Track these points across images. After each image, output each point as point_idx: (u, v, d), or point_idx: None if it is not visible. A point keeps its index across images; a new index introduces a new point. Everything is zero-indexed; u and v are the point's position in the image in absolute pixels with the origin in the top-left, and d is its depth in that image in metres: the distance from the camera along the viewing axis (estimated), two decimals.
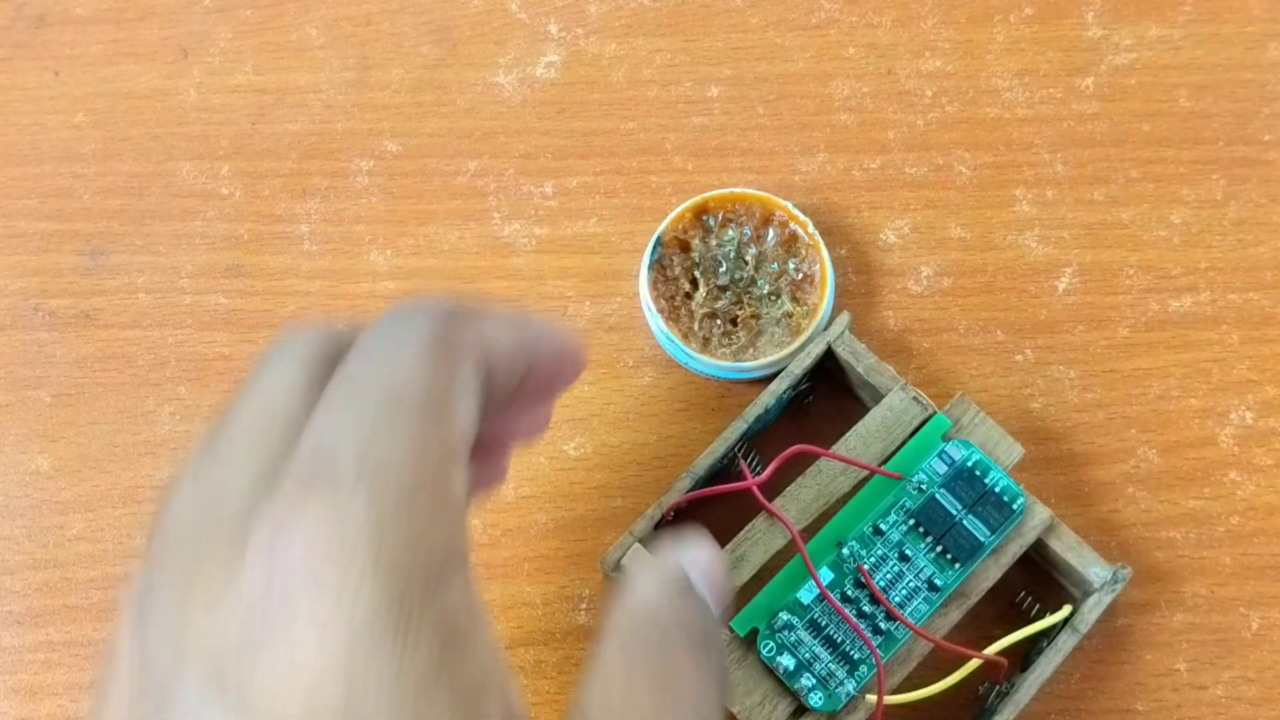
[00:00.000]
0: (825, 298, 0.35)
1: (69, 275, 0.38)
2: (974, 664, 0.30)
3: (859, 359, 0.33)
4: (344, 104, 0.39)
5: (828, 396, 0.35)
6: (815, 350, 0.33)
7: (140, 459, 0.36)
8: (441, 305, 0.22)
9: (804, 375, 0.33)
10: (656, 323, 0.35)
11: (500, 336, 0.22)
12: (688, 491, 0.32)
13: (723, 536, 0.32)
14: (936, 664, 0.30)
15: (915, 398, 0.32)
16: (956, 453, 0.32)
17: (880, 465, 0.32)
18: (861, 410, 0.33)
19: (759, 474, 0.32)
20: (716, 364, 0.34)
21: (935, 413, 0.32)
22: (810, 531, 0.31)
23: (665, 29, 0.40)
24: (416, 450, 0.19)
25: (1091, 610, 0.30)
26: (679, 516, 0.33)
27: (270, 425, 0.20)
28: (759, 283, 0.36)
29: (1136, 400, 0.35)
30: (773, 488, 0.32)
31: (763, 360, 0.34)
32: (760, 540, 0.31)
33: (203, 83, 0.40)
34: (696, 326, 0.35)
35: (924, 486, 0.31)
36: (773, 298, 0.35)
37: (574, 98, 0.39)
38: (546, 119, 0.39)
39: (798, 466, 0.32)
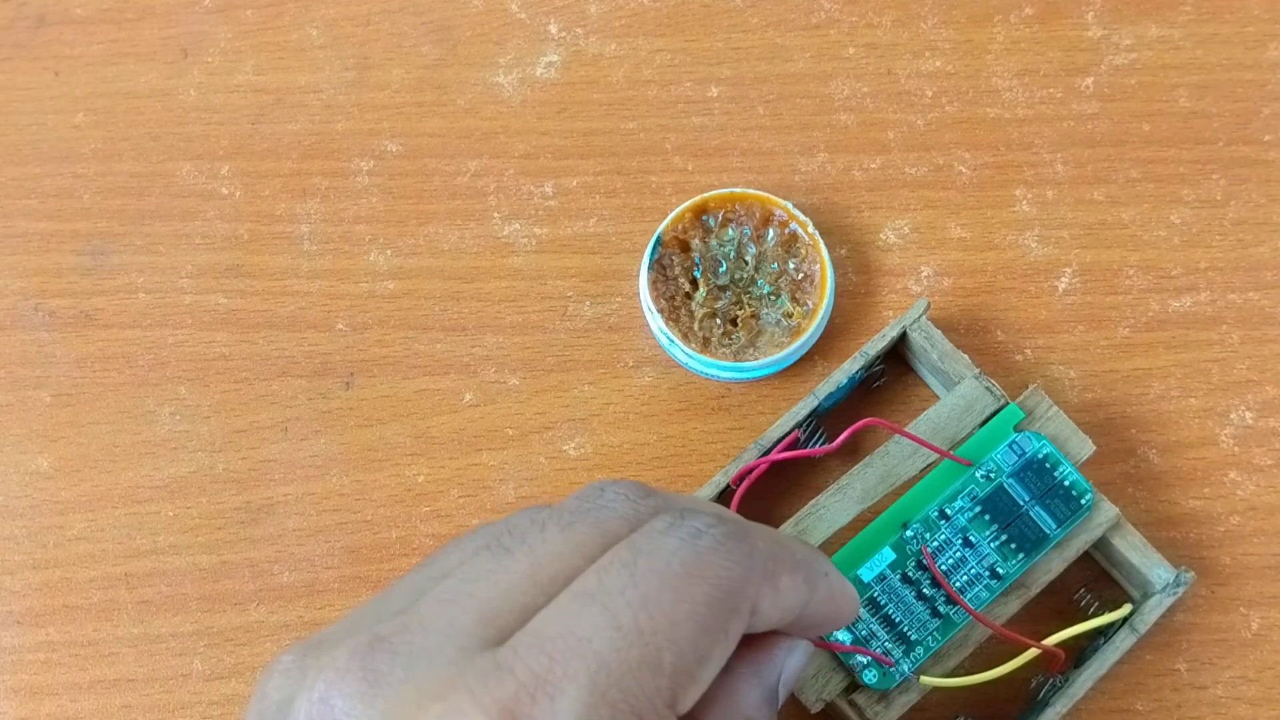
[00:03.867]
0: (825, 298, 0.35)
1: (69, 275, 0.38)
2: (1029, 655, 0.30)
3: (934, 345, 0.33)
4: (344, 104, 0.39)
5: (896, 381, 0.35)
6: (891, 333, 0.33)
7: (140, 459, 0.36)
8: (732, 559, 0.22)
9: (878, 356, 0.34)
10: (656, 323, 0.35)
11: (785, 600, 0.23)
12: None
13: (786, 510, 0.33)
14: (989, 654, 0.31)
15: (988, 388, 0.33)
16: (1028, 444, 0.32)
17: (950, 451, 0.32)
18: (929, 396, 0.34)
19: (820, 444, 0.33)
20: (716, 364, 0.34)
21: (1008, 403, 0.32)
22: (874, 512, 0.32)
23: (665, 29, 0.40)
24: (631, 713, 0.20)
25: (1152, 611, 0.31)
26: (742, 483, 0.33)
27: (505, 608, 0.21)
28: (759, 283, 0.36)
29: (1136, 400, 0.35)
30: (839, 468, 0.33)
31: (763, 360, 0.34)
32: (824, 516, 0.32)
33: (203, 83, 0.40)
34: (696, 326, 0.35)
35: (993, 475, 0.32)
36: (773, 298, 0.35)
37: (574, 98, 0.39)
38: (546, 119, 0.39)
39: (860, 453, 0.33)
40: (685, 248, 0.36)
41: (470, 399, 0.36)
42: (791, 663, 0.26)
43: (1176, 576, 0.31)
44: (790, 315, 0.35)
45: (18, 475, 0.36)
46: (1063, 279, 0.36)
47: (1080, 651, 0.32)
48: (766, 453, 0.32)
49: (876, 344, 0.33)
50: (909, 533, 0.31)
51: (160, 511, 0.35)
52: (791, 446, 0.32)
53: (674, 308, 0.35)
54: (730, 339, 0.35)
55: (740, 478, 0.32)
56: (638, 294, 0.36)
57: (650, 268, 0.35)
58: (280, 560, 0.34)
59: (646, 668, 0.20)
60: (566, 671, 0.19)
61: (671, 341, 0.35)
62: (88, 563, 0.35)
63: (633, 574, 0.21)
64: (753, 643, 0.26)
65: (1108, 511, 0.31)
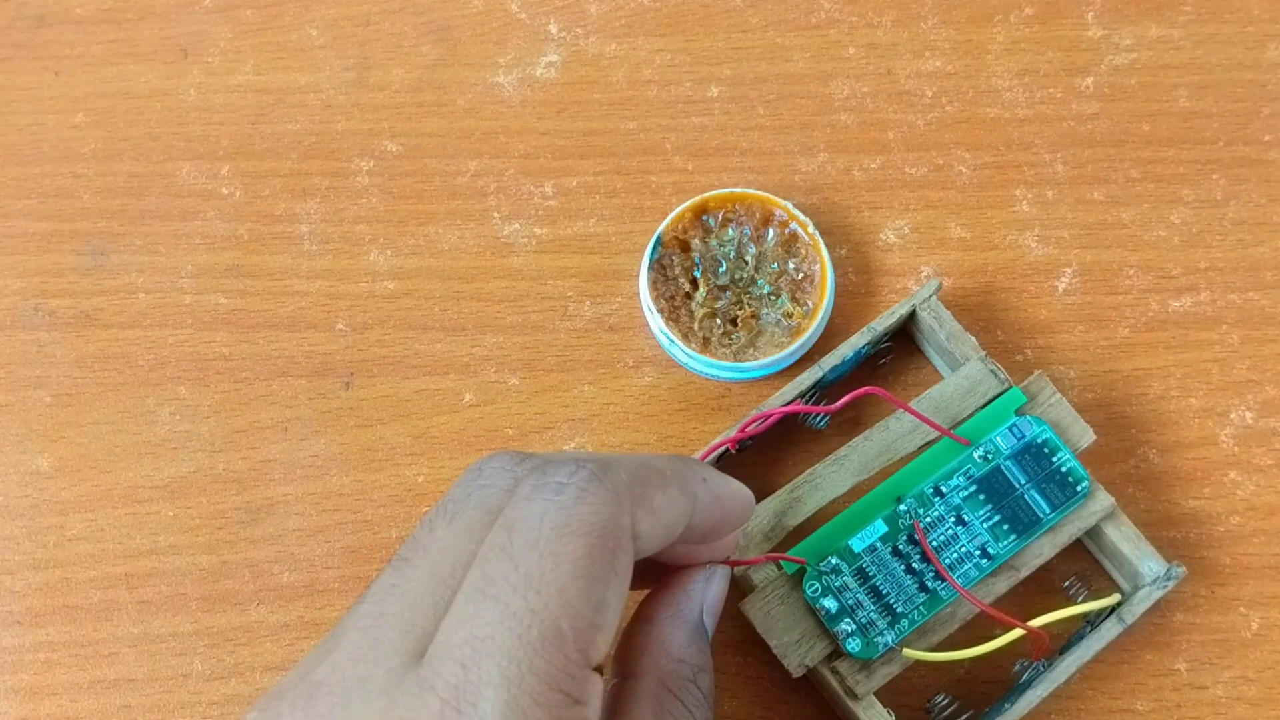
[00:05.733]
0: (825, 298, 0.35)
1: (69, 275, 0.38)
2: (1013, 635, 0.30)
3: (942, 325, 0.33)
4: (344, 104, 0.39)
5: (902, 360, 0.35)
6: (901, 310, 0.34)
7: (140, 459, 0.36)
8: (597, 500, 0.22)
9: (885, 334, 0.34)
10: (656, 323, 0.35)
11: (665, 516, 0.23)
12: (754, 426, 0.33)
13: (783, 478, 0.33)
14: (974, 634, 0.31)
15: (993, 370, 0.33)
16: (1028, 428, 0.32)
17: (949, 430, 0.32)
18: (934, 377, 0.34)
19: (826, 422, 0.33)
20: (716, 364, 0.34)
21: (1011, 387, 0.33)
22: (870, 485, 0.32)
23: (665, 29, 0.40)
24: (553, 690, 0.20)
25: (1141, 603, 0.31)
26: (742, 451, 0.34)
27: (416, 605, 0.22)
28: (759, 283, 0.36)
29: (1136, 400, 0.35)
30: (838, 440, 0.33)
31: (763, 360, 0.34)
32: (820, 485, 0.32)
33: (203, 83, 0.40)
34: (696, 326, 0.35)
35: (990, 456, 0.32)
36: (773, 298, 0.35)
37: (574, 98, 0.39)
38: (546, 119, 0.39)
39: (861, 427, 0.33)
40: (685, 248, 0.36)
41: (470, 399, 0.36)
42: (712, 592, 0.27)
43: (1168, 570, 0.31)
44: (790, 315, 0.35)
45: (18, 475, 0.36)
46: (1063, 279, 0.36)
47: (1066, 640, 0.32)
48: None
49: (885, 320, 0.34)
50: (903, 507, 0.31)
51: (160, 511, 0.35)
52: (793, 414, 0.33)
53: (674, 308, 0.35)
54: (730, 339, 0.35)
55: (739, 436, 0.32)
56: (638, 294, 0.36)
57: (650, 268, 0.35)
58: (280, 560, 0.34)
59: (550, 643, 0.21)
60: (481, 676, 0.20)
61: (671, 341, 0.35)
62: (88, 563, 0.35)
63: (510, 555, 0.21)
64: (668, 582, 0.27)
65: (1103, 500, 0.31)
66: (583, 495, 0.22)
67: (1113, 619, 0.31)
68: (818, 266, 0.35)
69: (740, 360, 0.35)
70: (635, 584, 0.29)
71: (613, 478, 0.23)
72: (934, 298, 0.34)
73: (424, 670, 0.21)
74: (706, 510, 0.25)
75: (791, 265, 0.36)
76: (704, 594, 0.27)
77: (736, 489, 0.27)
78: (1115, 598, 0.31)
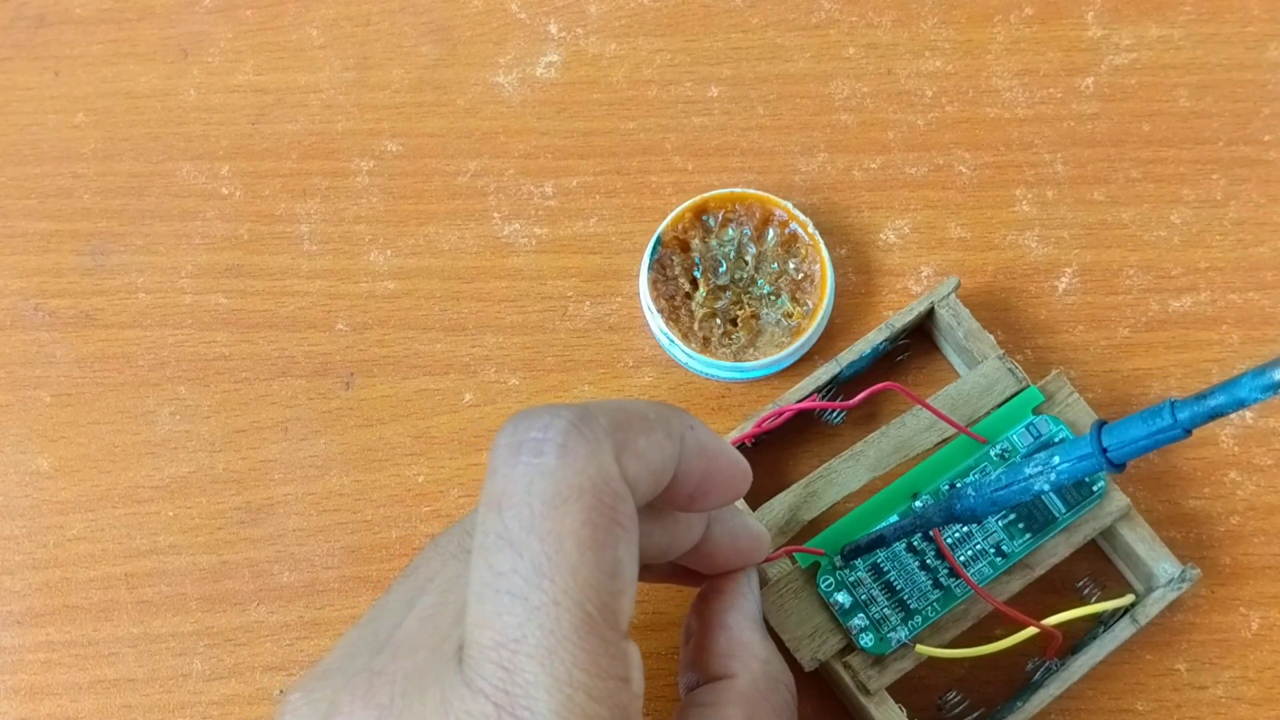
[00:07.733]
0: (825, 298, 0.35)
1: (69, 275, 0.38)
2: (1026, 634, 0.30)
3: (960, 323, 0.33)
4: (344, 104, 0.39)
5: (918, 357, 0.36)
6: (919, 308, 0.34)
7: (140, 459, 0.36)
8: (580, 455, 0.20)
9: (903, 330, 0.34)
10: (656, 323, 0.35)
11: (650, 460, 0.22)
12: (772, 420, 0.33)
13: (799, 472, 0.33)
14: (987, 632, 0.31)
15: (1011, 369, 0.33)
16: (1045, 428, 0.32)
17: (966, 427, 0.32)
18: (950, 375, 0.34)
19: (843, 418, 0.33)
20: (716, 364, 0.34)
21: (1029, 385, 0.33)
22: (886, 481, 0.32)
23: (665, 29, 0.40)
24: (603, 679, 0.20)
25: (1155, 604, 0.31)
26: (757, 446, 0.34)
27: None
28: (759, 283, 0.36)
29: (1136, 400, 0.35)
30: (854, 436, 0.33)
31: (763, 360, 0.34)
32: (835, 480, 0.32)
33: (203, 83, 0.40)
34: (696, 326, 0.35)
35: (1006, 454, 0.32)
36: (773, 298, 0.35)
37: (574, 98, 0.39)
38: (546, 119, 0.39)
39: (878, 423, 0.33)
40: (685, 248, 0.36)
41: (470, 399, 0.36)
42: (756, 587, 0.28)
43: (1182, 572, 0.31)
44: (790, 315, 0.35)
45: (18, 475, 0.36)
46: (1063, 279, 0.36)
47: (1078, 640, 0.32)
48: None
49: (903, 317, 0.34)
50: (918, 504, 0.31)
51: (160, 511, 0.35)
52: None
53: (674, 308, 0.35)
54: (730, 339, 0.35)
55: (755, 431, 0.32)
56: (638, 294, 0.36)
57: (650, 268, 0.35)
58: (280, 560, 0.34)
59: (584, 631, 0.20)
60: (527, 679, 0.19)
61: (671, 341, 0.35)
62: (88, 563, 0.35)
63: (510, 543, 0.20)
64: (720, 586, 0.28)
65: (1118, 500, 0.31)
66: (564, 452, 0.20)
67: (1126, 620, 0.31)
68: (818, 266, 0.35)
69: (740, 360, 0.35)
70: (674, 579, 0.29)
71: (592, 425, 0.21)
72: (953, 295, 0.34)
73: (466, 671, 0.20)
74: (693, 458, 0.23)
75: (791, 265, 0.36)
76: (752, 591, 0.28)
77: (728, 448, 0.25)
78: (1129, 598, 0.31)
